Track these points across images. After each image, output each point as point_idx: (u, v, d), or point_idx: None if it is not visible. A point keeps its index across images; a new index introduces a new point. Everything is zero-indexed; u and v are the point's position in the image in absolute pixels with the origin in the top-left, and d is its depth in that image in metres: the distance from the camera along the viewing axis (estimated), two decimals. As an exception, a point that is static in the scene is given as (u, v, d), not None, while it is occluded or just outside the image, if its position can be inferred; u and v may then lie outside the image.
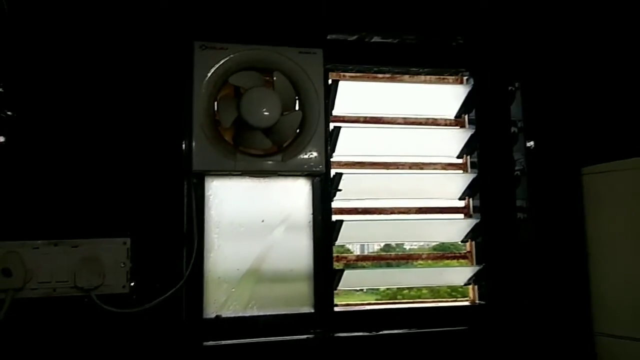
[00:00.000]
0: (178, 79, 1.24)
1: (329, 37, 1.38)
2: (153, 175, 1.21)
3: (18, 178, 1.14)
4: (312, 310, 1.32)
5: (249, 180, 1.33)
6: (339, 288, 1.37)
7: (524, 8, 1.45)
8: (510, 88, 1.47)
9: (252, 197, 1.33)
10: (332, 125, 1.39)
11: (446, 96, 1.54)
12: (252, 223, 1.32)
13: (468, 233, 1.47)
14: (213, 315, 1.26)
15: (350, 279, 1.37)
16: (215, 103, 1.24)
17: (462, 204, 1.53)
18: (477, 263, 1.48)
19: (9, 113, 1.15)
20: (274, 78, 1.25)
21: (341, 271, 1.34)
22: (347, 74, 1.47)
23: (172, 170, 1.22)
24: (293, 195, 1.36)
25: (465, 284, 1.48)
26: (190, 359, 1.17)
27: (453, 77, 1.54)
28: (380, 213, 1.47)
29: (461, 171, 1.53)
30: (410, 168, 1.50)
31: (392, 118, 1.50)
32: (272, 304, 1.31)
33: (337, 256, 1.41)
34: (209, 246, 1.28)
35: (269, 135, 1.23)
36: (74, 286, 1.11)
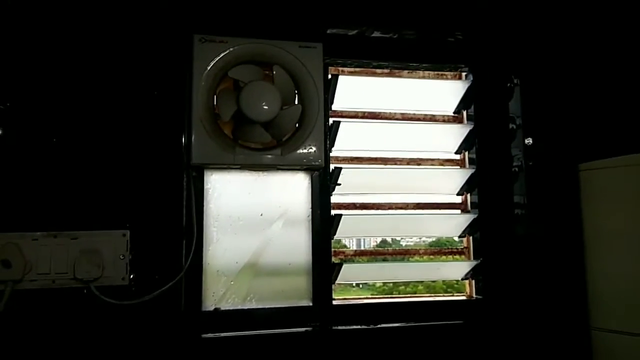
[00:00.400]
0: (178, 72, 1.24)
1: (328, 32, 1.38)
2: (152, 168, 1.21)
3: (17, 170, 1.14)
4: (311, 304, 1.33)
5: (248, 174, 1.33)
6: (337, 282, 1.37)
7: (523, 4, 1.46)
8: (509, 84, 1.48)
9: (251, 190, 1.33)
10: (331, 120, 1.39)
11: (445, 92, 1.54)
12: (251, 217, 1.33)
13: (465, 228, 1.48)
14: (212, 308, 1.27)
15: (349, 273, 1.38)
16: (215, 96, 1.24)
17: (459, 199, 1.53)
18: (475, 258, 1.49)
19: (8, 104, 1.15)
20: (274, 72, 1.25)
21: (340, 265, 1.35)
22: (347, 69, 1.47)
23: (171, 164, 1.23)
24: (292, 189, 1.36)
25: (462, 279, 1.49)
26: (188, 350, 1.18)
27: (452, 72, 1.55)
28: (378, 208, 1.47)
29: (459, 167, 1.54)
30: (408, 163, 1.50)
31: (390, 113, 1.50)
32: (270, 297, 1.31)
33: (335, 251, 1.42)
34: (208, 239, 1.29)
35: (268, 129, 1.23)
36: (73, 278, 1.12)
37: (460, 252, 1.53)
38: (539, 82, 1.44)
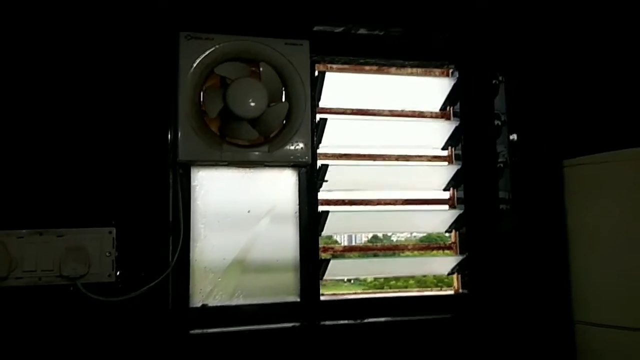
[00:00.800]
0: (163, 69, 1.23)
1: (315, 29, 1.38)
2: (139, 165, 1.21)
3: (1, 167, 1.13)
4: (298, 299, 1.34)
5: (235, 171, 1.34)
6: (325, 278, 1.38)
7: (509, 3, 1.47)
8: (494, 81, 1.49)
9: (238, 187, 1.34)
10: (318, 117, 1.40)
11: (432, 88, 1.55)
12: (238, 213, 1.33)
13: (452, 224, 1.49)
14: (199, 304, 1.27)
15: (336, 269, 1.39)
16: (202, 93, 1.24)
17: (447, 195, 1.55)
18: (461, 253, 1.50)
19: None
20: (260, 69, 1.25)
21: (327, 261, 1.36)
22: (334, 66, 1.47)
23: (157, 161, 1.22)
24: (279, 186, 1.37)
25: (448, 274, 1.51)
26: (176, 347, 1.18)
27: (439, 69, 1.55)
28: (366, 204, 1.48)
29: (446, 163, 1.55)
30: (396, 160, 1.51)
31: (378, 110, 1.51)
32: (258, 293, 1.32)
33: (324, 247, 1.43)
34: (195, 236, 1.29)
35: (255, 126, 1.23)
36: (59, 275, 1.11)
37: (449, 247, 1.55)
38: (523, 80, 1.46)
